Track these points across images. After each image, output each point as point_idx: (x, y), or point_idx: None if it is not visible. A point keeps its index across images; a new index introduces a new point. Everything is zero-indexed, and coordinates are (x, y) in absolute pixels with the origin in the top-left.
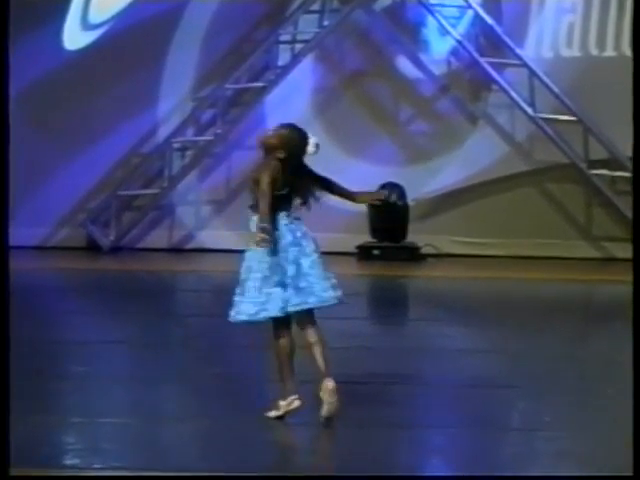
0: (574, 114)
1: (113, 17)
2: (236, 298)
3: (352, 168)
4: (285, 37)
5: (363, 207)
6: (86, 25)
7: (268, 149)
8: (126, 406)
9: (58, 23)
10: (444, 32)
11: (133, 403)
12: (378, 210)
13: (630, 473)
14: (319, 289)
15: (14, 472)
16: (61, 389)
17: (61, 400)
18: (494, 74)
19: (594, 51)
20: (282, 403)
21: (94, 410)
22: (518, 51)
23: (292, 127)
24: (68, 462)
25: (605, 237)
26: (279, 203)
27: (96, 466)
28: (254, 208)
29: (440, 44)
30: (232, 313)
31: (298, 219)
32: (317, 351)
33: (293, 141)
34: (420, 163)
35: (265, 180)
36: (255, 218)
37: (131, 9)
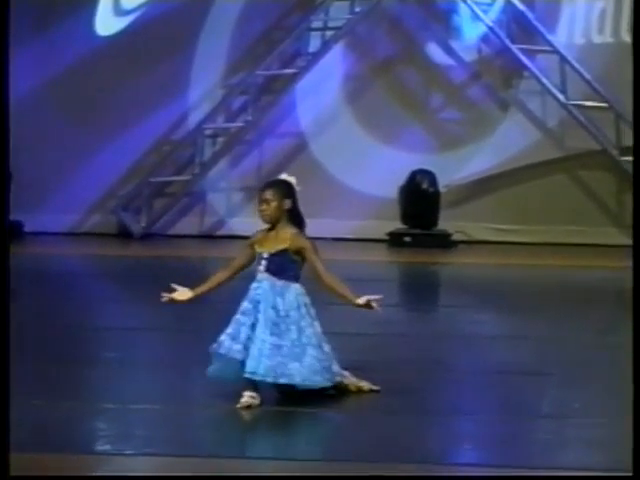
0: (606, 100)
1: (145, 3)
2: None
3: (383, 155)
4: (316, 24)
5: (395, 193)
6: (118, 11)
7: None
8: (158, 392)
9: (91, 9)
10: (475, 18)
11: (165, 389)
12: (409, 197)
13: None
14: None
15: (48, 459)
16: (93, 375)
17: (93, 386)
18: (525, 60)
19: (626, 37)
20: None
21: (126, 396)
22: (549, 37)
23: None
24: (99, 448)
25: None
26: None
27: (128, 452)
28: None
29: (471, 30)
30: None
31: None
32: None
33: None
34: (451, 150)
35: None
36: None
37: None
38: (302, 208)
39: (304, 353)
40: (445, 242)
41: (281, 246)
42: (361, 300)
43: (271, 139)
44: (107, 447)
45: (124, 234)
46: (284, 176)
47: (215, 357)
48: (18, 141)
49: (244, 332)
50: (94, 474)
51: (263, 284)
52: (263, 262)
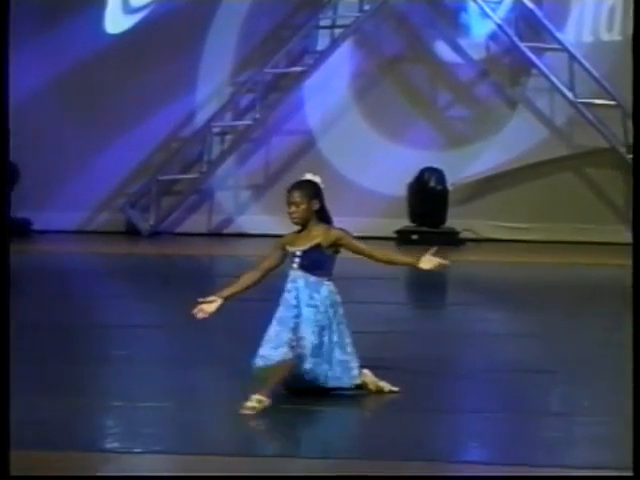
0: (614, 98)
1: (154, 0)
2: None
3: (391, 153)
4: (324, 22)
5: (402, 191)
6: (128, 8)
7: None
8: (165, 390)
9: (100, 6)
10: (484, 16)
11: (172, 387)
12: (417, 195)
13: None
14: None
15: (56, 457)
16: (100, 373)
17: (101, 384)
18: (534, 58)
19: None
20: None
21: (134, 394)
22: (558, 35)
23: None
24: (107, 446)
25: None
26: None
27: (135, 450)
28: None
29: (479, 28)
30: None
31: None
32: None
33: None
34: (459, 148)
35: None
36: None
37: None
38: None
39: (332, 354)
40: (453, 240)
41: (314, 241)
42: (424, 264)
43: (279, 137)
44: (115, 445)
45: (132, 232)
46: (309, 176)
47: (258, 372)
48: (26, 139)
49: (285, 336)
50: (102, 473)
51: (298, 283)
52: (296, 259)
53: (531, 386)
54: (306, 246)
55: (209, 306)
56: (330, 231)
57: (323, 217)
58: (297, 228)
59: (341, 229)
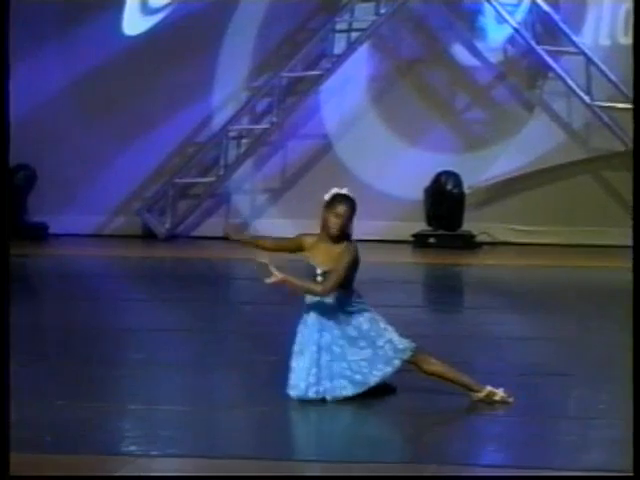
0: (631, 102)
1: (172, 2)
2: None
3: (408, 156)
4: (341, 25)
5: (419, 195)
6: (146, 10)
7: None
8: (183, 393)
9: (118, 7)
10: (501, 20)
11: (190, 390)
12: (434, 198)
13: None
14: None
15: (73, 460)
16: (118, 376)
17: (118, 387)
18: (551, 62)
19: None
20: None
21: (151, 397)
22: (575, 39)
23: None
24: (124, 449)
25: None
26: None
27: (153, 453)
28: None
29: (497, 32)
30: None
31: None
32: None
33: None
34: (476, 151)
35: None
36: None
37: None
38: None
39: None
40: (470, 243)
41: (333, 264)
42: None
43: (295, 141)
44: (132, 448)
45: (148, 236)
46: (346, 191)
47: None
48: (43, 143)
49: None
50: (119, 474)
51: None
52: (319, 278)
53: (547, 389)
54: (326, 266)
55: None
56: (345, 251)
57: (348, 234)
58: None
59: (353, 253)
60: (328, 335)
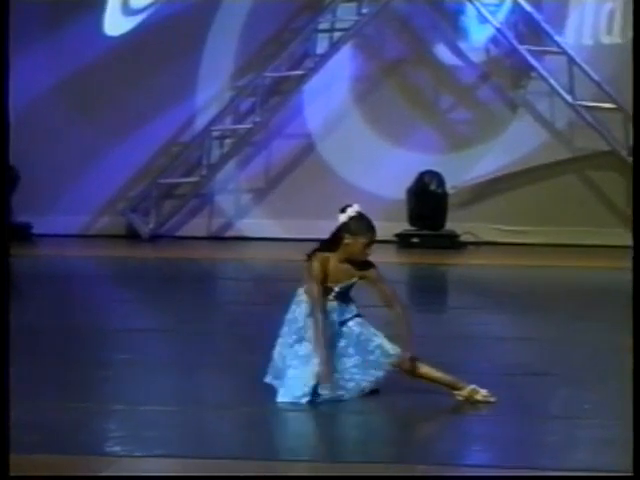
0: (614, 101)
1: (154, 2)
2: None
3: (391, 155)
4: (324, 25)
5: (403, 194)
6: (127, 10)
7: None
8: (167, 393)
9: (100, 8)
10: (483, 20)
11: (175, 390)
12: (417, 198)
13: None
14: None
15: (50, 460)
16: (102, 377)
17: (102, 387)
18: (534, 62)
19: None
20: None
21: (136, 398)
22: (558, 38)
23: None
24: (108, 450)
25: None
26: None
27: (137, 454)
28: None
29: (480, 32)
30: None
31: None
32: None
33: None
34: (460, 151)
35: None
36: None
37: None
38: (310, 209)
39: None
40: (453, 243)
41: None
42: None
43: (279, 140)
44: (116, 448)
45: (132, 236)
46: (357, 207)
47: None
48: (26, 143)
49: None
50: (104, 474)
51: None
52: (332, 295)
53: (532, 389)
54: (342, 284)
55: None
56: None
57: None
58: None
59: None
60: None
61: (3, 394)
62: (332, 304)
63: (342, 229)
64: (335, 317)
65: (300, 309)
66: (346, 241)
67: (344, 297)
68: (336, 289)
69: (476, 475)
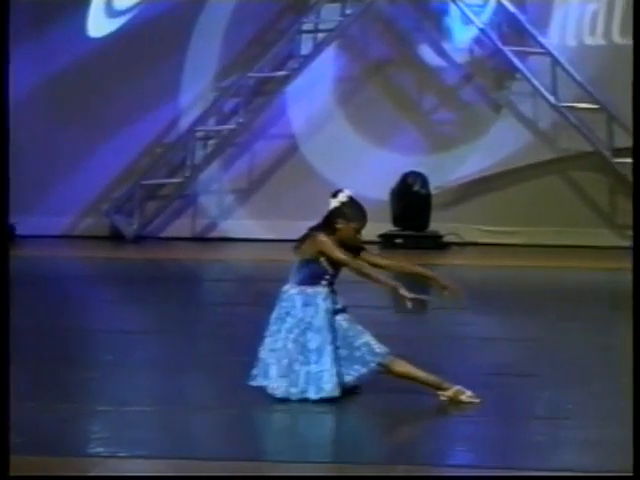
0: (598, 102)
1: (137, 4)
2: None
3: (375, 157)
4: (308, 26)
5: (386, 195)
6: (111, 12)
7: None
8: (151, 394)
9: (83, 10)
10: (467, 20)
11: (158, 391)
12: (401, 199)
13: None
14: None
15: (35, 461)
16: (87, 378)
17: (87, 388)
18: (517, 62)
19: (618, 39)
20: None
21: (119, 398)
22: (541, 39)
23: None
24: (92, 450)
25: (629, 225)
26: None
27: (121, 454)
28: None
29: (463, 32)
30: None
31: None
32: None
33: None
34: (443, 151)
35: None
36: None
37: None
38: (293, 210)
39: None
40: (437, 244)
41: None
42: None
43: (263, 141)
44: (100, 449)
45: (116, 237)
46: (348, 192)
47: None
48: (10, 143)
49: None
50: (90, 474)
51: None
52: (327, 276)
53: (515, 389)
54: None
55: None
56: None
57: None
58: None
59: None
60: (329, 335)
61: (3, 394)
62: (326, 290)
63: (335, 214)
64: (330, 304)
65: (290, 303)
66: (339, 226)
67: (332, 285)
68: (331, 272)
69: (460, 475)
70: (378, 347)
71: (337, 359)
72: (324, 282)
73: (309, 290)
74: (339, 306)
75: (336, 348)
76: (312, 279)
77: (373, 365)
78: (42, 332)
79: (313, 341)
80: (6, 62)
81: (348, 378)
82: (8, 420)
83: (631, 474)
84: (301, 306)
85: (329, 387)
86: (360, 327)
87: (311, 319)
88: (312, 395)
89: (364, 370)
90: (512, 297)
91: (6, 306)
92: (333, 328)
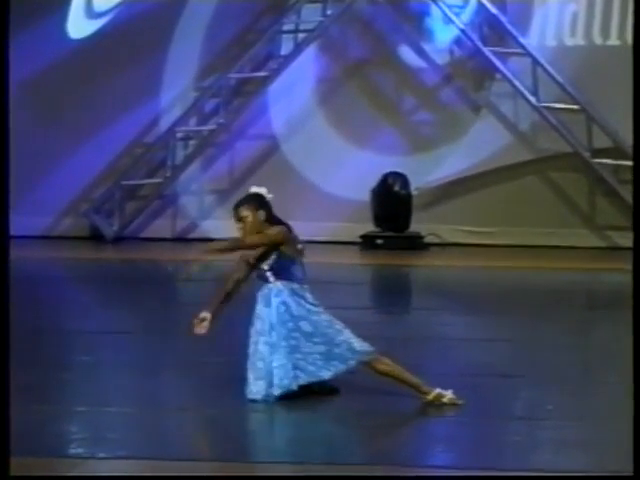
0: (577, 103)
1: (117, 5)
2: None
3: (355, 157)
4: (288, 26)
5: (367, 196)
6: (91, 13)
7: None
8: (130, 395)
9: (63, 11)
10: (447, 21)
11: (137, 392)
12: (381, 199)
13: (629, 469)
14: None
15: (16, 462)
16: (65, 378)
17: (65, 389)
18: (497, 63)
19: (598, 40)
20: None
21: (98, 399)
22: (522, 40)
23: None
24: (71, 451)
25: (608, 226)
26: None
27: (100, 455)
28: None
29: (443, 33)
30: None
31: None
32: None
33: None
34: (423, 152)
35: None
36: None
37: None
38: (274, 210)
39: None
40: (417, 244)
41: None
42: None
43: (243, 141)
44: (79, 450)
45: (96, 237)
46: (254, 189)
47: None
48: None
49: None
50: (69, 474)
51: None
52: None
53: (496, 390)
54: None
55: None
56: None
57: (276, 224)
58: None
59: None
60: (283, 330)
61: (3, 394)
62: (277, 285)
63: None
64: (286, 298)
65: (257, 305)
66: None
67: (282, 277)
68: (265, 267)
69: (440, 475)
70: (359, 345)
71: (293, 353)
72: (270, 276)
73: (265, 288)
74: (305, 302)
75: (295, 343)
76: (260, 277)
77: (352, 363)
78: (20, 333)
79: (272, 337)
80: (6, 62)
81: (326, 373)
82: (8, 420)
83: (631, 474)
84: (263, 306)
85: (286, 382)
86: (340, 327)
87: (267, 316)
88: (273, 391)
89: (342, 367)
90: (491, 298)
91: (6, 306)
92: (288, 323)
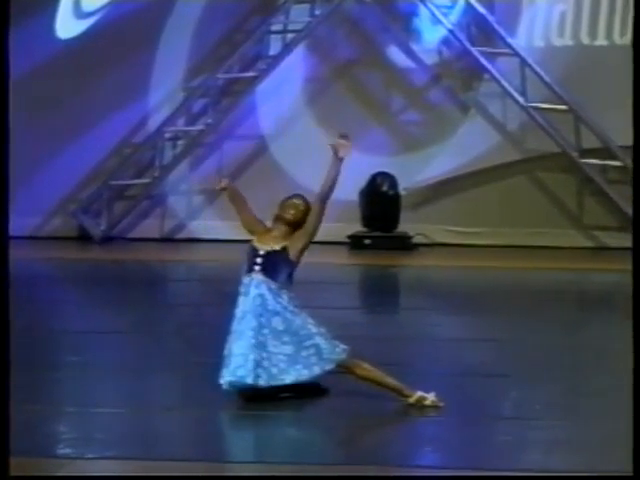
0: (566, 103)
1: (106, 5)
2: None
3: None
4: (276, 27)
5: (355, 196)
6: (79, 13)
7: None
8: (118, 395)
9: (51, 11)
10: (436, 21)
11: (125, 392)
12: (369, 199)
13: (626, 468)
14: None
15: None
16: (53, 379)
17: (53, 390)
18: (486, 63)
19: (586, 40)
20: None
21: (87, 400)
22: (510, 40)
23: None
24: (60, 452)
25: (596, 226)
26: None
27: (89, 456)
28: None
29: (432, 33)
30: None
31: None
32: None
33: None
34: (411, 152)
35: None
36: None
37: None
38: (262, 210)
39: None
40: (405, 244)
41: (279, 246)
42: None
43: (231, 142)
44: (68, 451)
45: (84, 237)
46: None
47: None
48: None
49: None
50: (58, 474)
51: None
52: (259, 259)
53: (483, 390)
54: (269, 248)
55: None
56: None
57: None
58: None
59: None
60: (254, 321)
61: (3, 395)
62: (259, 277)
63: None
64: (264, 291)
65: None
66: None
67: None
68: (261, 252)
69: (429, 475)
70: (329, 352)
71: (258, 349)
72: (256, 266)
73: (247, 277)
74: (281, 300)
75: (263, 340)
76: (247, 266)
77: (317, 369)
78: (9, 333)
79: (241, 325)
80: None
81: (288, 377)
82: (8, 420)
83: (631, 474)
84: (242, 295)
85: (242, 372)
86: (316, 329)
87: (242, 304)
88: (226, 377)
89: (305, 372)
90: (480, 298)
91: (6, 307)
92: (261, 317)
